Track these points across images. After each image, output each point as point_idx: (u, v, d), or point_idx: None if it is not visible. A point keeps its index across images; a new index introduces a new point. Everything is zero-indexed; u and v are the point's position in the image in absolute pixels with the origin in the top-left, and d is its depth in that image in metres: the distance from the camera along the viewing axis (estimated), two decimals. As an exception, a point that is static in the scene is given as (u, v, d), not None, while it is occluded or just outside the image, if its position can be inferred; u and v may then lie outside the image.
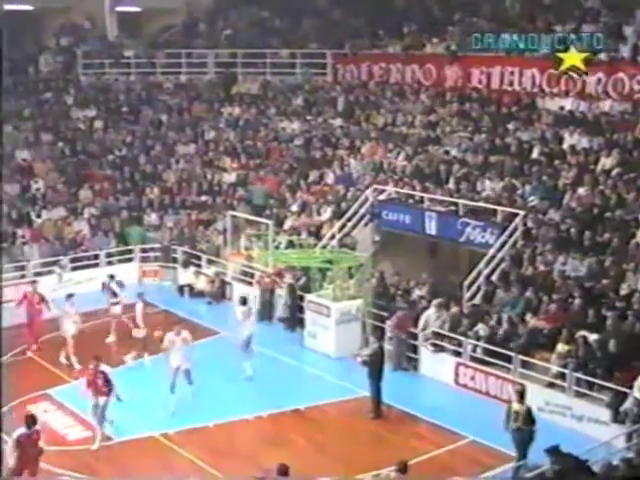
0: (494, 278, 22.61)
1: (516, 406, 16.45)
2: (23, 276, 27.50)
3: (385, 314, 22.29)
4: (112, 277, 24.71)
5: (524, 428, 16.26)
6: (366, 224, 26.99)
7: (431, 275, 23.68)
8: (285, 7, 38.21)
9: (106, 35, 38.85)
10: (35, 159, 32.44)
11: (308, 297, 23.63)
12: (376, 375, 19.25)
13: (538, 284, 21.43)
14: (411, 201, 26.60)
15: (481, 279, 22.67)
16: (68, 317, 22.32)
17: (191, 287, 28.09)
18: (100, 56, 37.27)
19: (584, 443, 15.69)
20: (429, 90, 31.78)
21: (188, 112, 35.68)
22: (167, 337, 19.36)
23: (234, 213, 27.57)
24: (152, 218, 30.84)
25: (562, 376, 18.66)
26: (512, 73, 29.15)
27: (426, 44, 32.64)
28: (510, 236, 23.26)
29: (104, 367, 17.90)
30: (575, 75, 26.56)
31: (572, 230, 22.36)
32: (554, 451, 13.92)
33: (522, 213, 23.46)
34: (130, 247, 29.55)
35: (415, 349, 21.69)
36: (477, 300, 22.22)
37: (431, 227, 24.97)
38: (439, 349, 21.21)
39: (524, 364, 19.33)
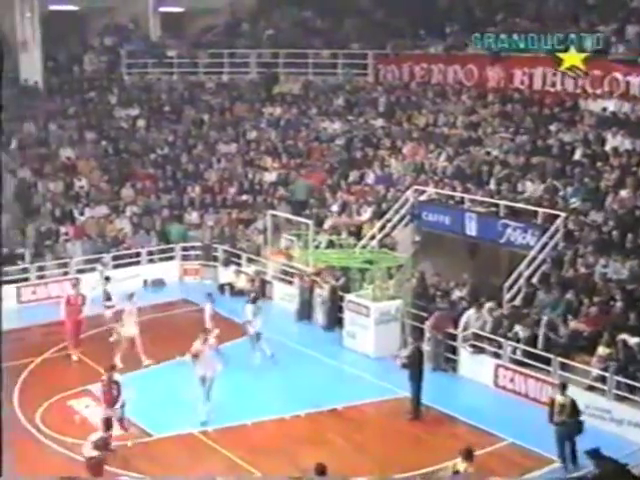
0: (535, 280, 22.48)
1: (560, 399, 16.58)
2: (66, 273, 27.85)
3: (425, 315, 22.26)
4: (107, 279, 24.56)
5: (569, 421, 16.37)
6: (406, 225, 26.94)
7: (471, 276, 23.60)
8: (327, 7, 38.28)
9: (149, 35, 39.18)
10: (79, 157, 32.77)
11: (347, 297, 23.65)
12: (416, 377, 19.21)
13: (579, 286, 21.26)
14: (451, 202, 26.52)
15: (521, 281, 22.55)
16: (130, 316, 22.17)
17: (231, 286, 28.21)
18: (143, 56, 37.63)
19: (624, 447, 15.60)
20: (471, 91, 31.70)
21: (230, 112, 35.85)
22: (195, 345, 18.72)
23: (274, 212, 27.66)
24: (193, 217, 31.04)
25: (602, 379, 18.52)
26: (555, 74, 28.95)
27: (468, 44, 32.53)
28: (551, 238, 23.10)
29: (117, 377, 17.65)
30: (619, 76, 26.35)
31: (614, 232, 22.19)
32: (594, 454, 13.91)
33: (563, 215, 23.29)
34: (171, 245, 29.77)
35: (454, 350, 21.64)
36: (517, 302, 22.10)
37: (471, 228, 24.88)
38: (478, 350, 21.15)
39: (564, 367, 19.20)
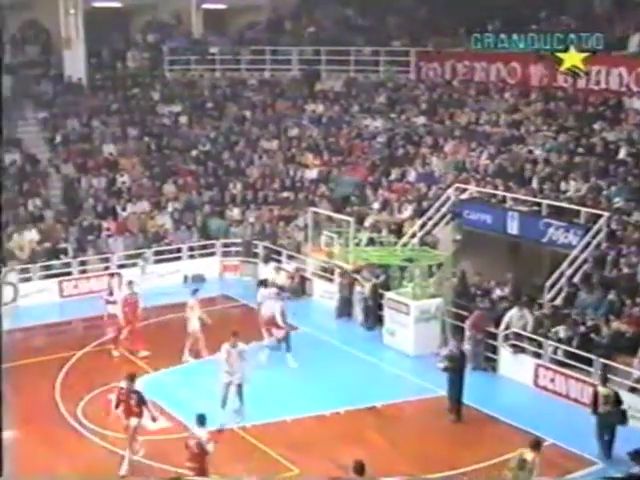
0: (576, 280, 22.30)
1: (604, 390, 16.88)
2: (107, 268, 28.12)
3: (465, 314, 22.17)
4: (113, 275, 24.83)
5: (614, 410, 16.62)
6: (447, 223, 26.84)
7: (512, 276, 23.45)
8: (369, 5, 38.17)
9: (192, 32, 39.38)
10: (121, 153, 33.01)
11: (387, 295, 23.62)
12: (457, 380, 19.08)
13: (621, 287, 21.06)
14: (493, 200, 26.38)
15: (563, 280, 22.38)
16: (193, 312, 22.30)
17: (271, 282, 28.27)
18: (186, 53, 37.85)
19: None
20: (514, 89, 31.48)
21: (272, 108, 35.92)
22: (224, 347, 18.43)
23: (315, 209, 27.68)
24: (234, 213, 31.14)
25: (645, 381, 18.36)
26: (599, 72, 28.68)
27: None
28: (594, 237, 22.90)
29: (137, 387, 16.96)
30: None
31: (658, 232, 21.98)
32: (637, 455, 13.93)
33: (606, 214, 23.08)
34: (212, 241, 29.90)
35: (494, 349, 21.53)
36: (558, 302, 21.94)
37: (513, 227, 24.72)
38: (518, 350, 21.02)
39: (605, 368, 19.02)
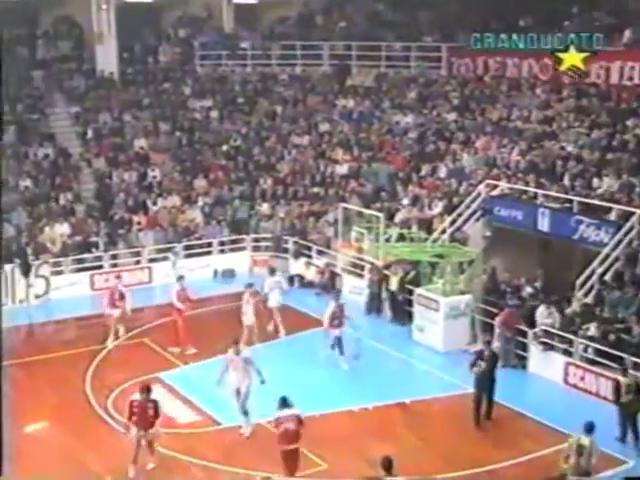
0: (608, 278, 22.15)
1: (626, 380, 17.26)
2: (138, 262, 28.27)
3: (495, 310, 22.09)
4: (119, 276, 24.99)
5: (635, 399, 17.03)
6: (477, 219, 26.74)
7: (543, 273, 23.33)
8: (400, 0, 38.05)
9: (223, 27, 39.41)
10: (152, 148, 33.15)
11: (417, 291, 23.58)
12: (487, 381, 18.84)
13: (653, 285, 20.94)
14: (524, 197, 26.22)
15: (594, 278, 22.23)
16: (249, 305, 22.47)
17: (301, 277, 28.36)
18: (217, 47, 37.91)
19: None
20: (545, 85, 31.29)
21: (303, 104, 35.93)
22: (227, 355, 17.89)
23: (345, 205, 27.66)
24: (264, 208, 31.19)
25: (676, 380, 18.18)
26: (632, 68, 28.45)
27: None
28: (626, 235, 22.72)
29: (154, 396, 16.56)
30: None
31: (690, 230, 21.79)
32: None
33: (639, 212, 22.90)
34: (242, 236, 29.97)
35: (524, 347, 21.44)
36: (589, 299, 21.80)
37: (544, 224, 24.57)
38: (548, 347, 20.92)
39: (636, 366, 18.89)
